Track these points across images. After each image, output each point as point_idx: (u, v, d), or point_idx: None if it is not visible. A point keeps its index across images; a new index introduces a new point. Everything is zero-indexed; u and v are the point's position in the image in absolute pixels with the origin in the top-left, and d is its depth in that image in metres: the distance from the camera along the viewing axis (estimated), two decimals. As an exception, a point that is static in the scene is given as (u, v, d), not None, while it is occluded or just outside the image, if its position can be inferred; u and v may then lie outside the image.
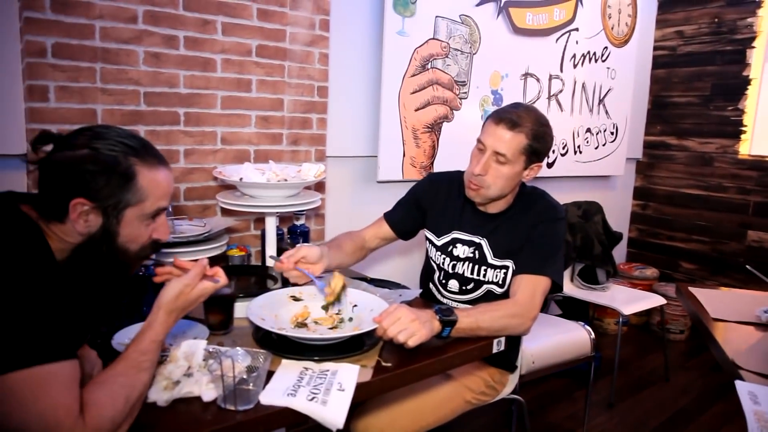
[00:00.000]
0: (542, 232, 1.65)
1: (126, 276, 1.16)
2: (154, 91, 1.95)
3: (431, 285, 1.86)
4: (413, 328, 1.28)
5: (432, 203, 1.83)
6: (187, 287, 1.10)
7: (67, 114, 1.78)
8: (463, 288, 1.77)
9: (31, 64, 1.73)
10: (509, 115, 1.58)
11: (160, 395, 1.07)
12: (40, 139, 1.05)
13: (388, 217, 1.88)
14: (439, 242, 1.80)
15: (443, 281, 1.81)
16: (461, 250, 1.76)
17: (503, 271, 1.71)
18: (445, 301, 1.82)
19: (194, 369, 1.15)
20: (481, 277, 1.73)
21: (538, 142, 1.59)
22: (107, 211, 1.03)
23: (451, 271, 1.78)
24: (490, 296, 1.73)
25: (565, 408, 2.80)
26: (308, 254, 1.49)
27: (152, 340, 1.04)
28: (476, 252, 1.73)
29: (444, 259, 1.79)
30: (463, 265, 1.76)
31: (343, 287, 1.48)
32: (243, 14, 2.09)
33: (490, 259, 1.72)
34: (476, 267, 1.74)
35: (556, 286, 1.64)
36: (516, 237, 1.68)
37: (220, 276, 1.17)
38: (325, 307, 1.47)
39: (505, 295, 1.67)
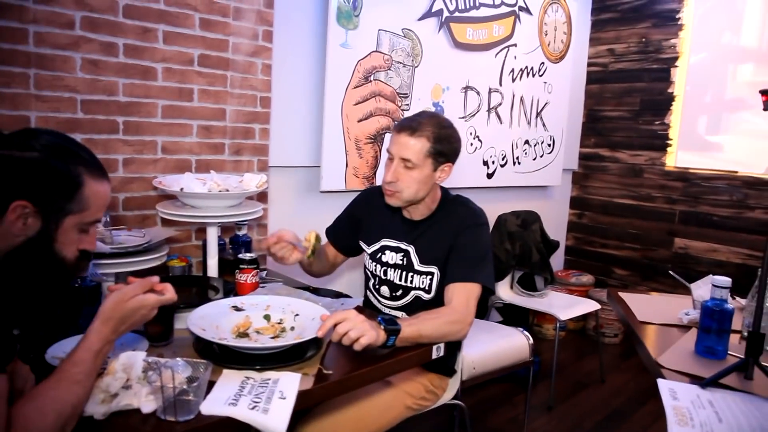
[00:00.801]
0: (467, 240, 1.72)
1: (61, 286, 1.14)
2: (92, 99, 1.91)
3: (368, 292, 1.93)
4: (363, 328, 1.31)
5: (365, 214, 1.91)
6: (125, 295, 1.09)
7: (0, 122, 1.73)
8: (394, 294, 1.84)
9: (-41, 69, 1.67)
10: (410, 123, 1.68)
11: (96, 408, 1.04)
12: None
13: (328, 232, 1.98)
14: (370, 250, 1.88)
15: (377, 287, 1.88)
16: (390, 257, 1.82)
17: (429, 277, 1.77)
18: (379, 307, 1.87)
19: (133, 381, 1.13)
20: (409, 284, 1.80)
21: (441, 144, 1.67)
22: (48, 217, 1.01)
23: (383, 276, 1.84)
24: (418, 302, 1.79)
25: (506, 412, 2.87)
26: (286, 234, 1.65)
27: (86, 349, 1.01)
28: (404, 259, 1.80)
29: (375, 266, 1.86)
30: (392, 271, 1.82)
31: (317, 239, 1.65)
32: (185, 23, 2.07)
33: (417, 266, 1.78)
34: (404, 273, 1.80)
35: (488, 290, 1.71)
36: (440, 243, 1.75)
37: (168, 291, 1.16)
38: (267, 317, 1.48)
39: (434, 301, 1.75)
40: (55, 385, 0.95)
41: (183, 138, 2.13)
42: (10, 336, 1.06)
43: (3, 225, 0.98)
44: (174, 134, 2.10)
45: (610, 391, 3.20)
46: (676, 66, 3.88)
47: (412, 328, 1.44)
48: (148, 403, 1.07)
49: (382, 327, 1.38)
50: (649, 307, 2.05)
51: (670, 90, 3.92)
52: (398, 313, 1.80)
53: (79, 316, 1.42)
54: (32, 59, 1.78)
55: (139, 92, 2.00)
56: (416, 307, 1.77)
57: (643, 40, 4.03)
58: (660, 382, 1.40)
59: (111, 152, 1.96)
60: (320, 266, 1.96)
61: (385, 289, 1.85)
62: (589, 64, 4.35)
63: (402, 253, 1.80)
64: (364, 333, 1.31)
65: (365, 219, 1.91)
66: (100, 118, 1.94)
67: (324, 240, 1.90)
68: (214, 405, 1.09)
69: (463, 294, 1.63)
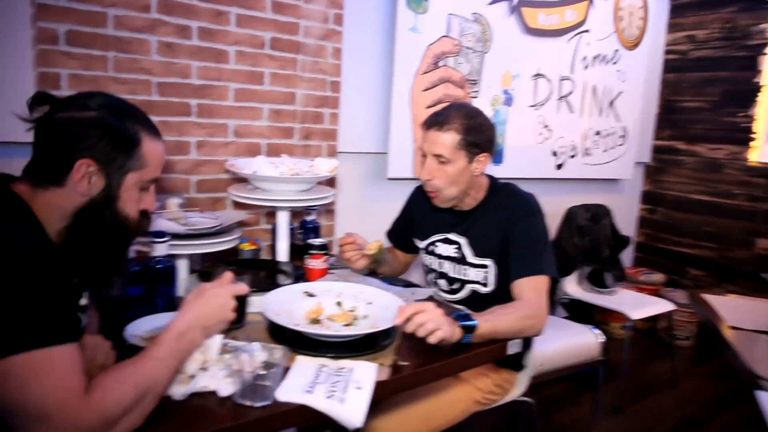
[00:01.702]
0: (524, 231, 1.65)
1: (126, 245, 1.15)
2: (166, 82, 1.93)
3: (429, 283, 1.91)
4: (440, 321, 1.27)
5: (417, 211, 1.91)
6: (203, 286, 1.13)
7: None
8: (451, 288, 1.81)
9: (44, 51, 1.71)
10: (437, 118, 1.64)
11: (175, 389, 1.04)
12: (37, 100, 1.03)
13: (388, 234, 2.02)
14: (423, 244, 1.87)
15: (435, 281, 1.86)
16: (443, 249, 1.80)
17: (484, 270, 1.73)
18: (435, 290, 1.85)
19: (210, 363, 1.12)
20: (464, 277, 1.76)
21: (472, 135, 1.62)
22: (111, 174, 1.04)
23: (439, 269, 1.83)
24: (475, 296, 1.75)
25: (572, 412, 2.77)
26: (359, 238, 1.75)
27: (167, 330, 1.03)
28: (458, 251, 1.77)
29: (431, 259, 1.85)
30: (448, 264, 1.80)
31: (380, 250, 1.71)
32: (257, 6, 2.06)
33: (470, 258, 1.74)
34: (458, 267, 1.78)
35: (554, 279, 1.65)
36: (493, 235, 1.70)
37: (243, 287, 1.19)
38: (339, 304, 1.45)
39: (493, 296, 1.71)
40: (135, 360, 0.96)
41: (254, 121, 2.13)
42: (77, 306, 1.09)
43: (69, 185, 1.01)
44: (245, 117, 2.10)
45: (682, 396, 3.04)
46: (765, 53, 3.62)
47: (488, 324, 1.39)
48: (225, 386, 1.07)
49: (458, 324, 1.33)
50: (738, 311, 1.91)
51: (756, 80, 3.67)
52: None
53: (155, 296, 1.43)
54: (111, 42, 1.81)
55: (212, 75, 2.01)
56: (474, 301, 1.73)
57: (728, 25, 3.78)
58: (761, 394, 1.28)
59: (184, 134, 1.98)
60: (390, 269, 1.97)
61: (443, 282, 1.83)
62: (667, 52, 4.12)
63: (455, 245, 1.77)
64: (441, 326, 1.26)
65: (417, 215, 1.90)
66: (174, 101, 1.95)
67: (388, 246, 1.94)
68: (290, 392, 1.07)
69: (533, 288, 1.57)
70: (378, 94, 2.63)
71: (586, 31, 3.38)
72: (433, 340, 1.26)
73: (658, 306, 3.03)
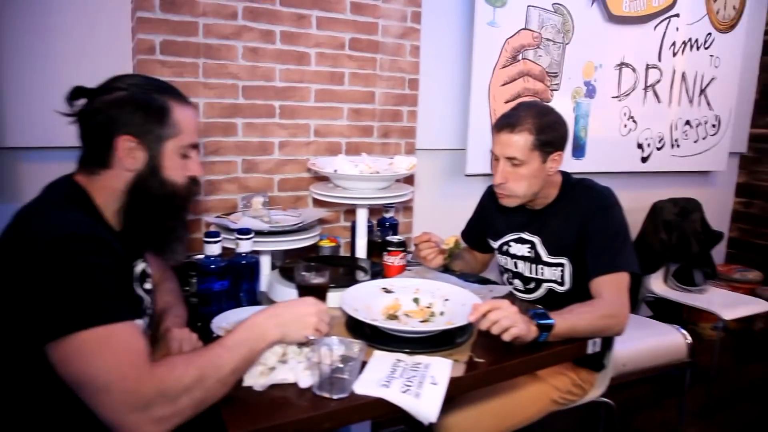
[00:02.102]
0: (600, 226, 1.61)
1: (180, 211, 1.21)
2: (251, 85, 2.02)
3: (506, 282, 1.90)
4: (515, 318, 1.27)
5: (489, 211, 1.89)
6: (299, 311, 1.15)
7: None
8: (527, 287, 1.80)
9: (142, 61, 1.84)
10: (508, 120, 1.61)
11: (256, 380, 1.10)
12: (74, 94, 1.11)
13: (463, 234, 2.01)
14: (496, 244, 1.86)
15: (510, 281, 1.85)
16: (517, 249, 1.79)
17: (560, 269, 1.70)
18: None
19: (289, 356, 1.18)
20: (540, 276, 1.74)
21: (545, 134, 1.59)
22: (150, 145, 1.10)
23: (514, 269, 1.82)
24: (552, 295, 1.73)
25: (656, 415, 2.67)
26: (434, 236, 1.77)
27: (244, 321, 1.08)
28: (532, 250, 1.75)
29: (505, 259, 1.84)
30: (522, 263, 1.78)
31: (457, 244, 1.73)
32: (337, 8, 2.12)
33: (545, 257, 1.72)
34: (533, 266, 1.75)
35: (635, 275, 1.59)
36: (567, 232, 1.66)
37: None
38: (416, 301, 1.48)
39: (570, 294, 1.67)
40: (208, 346, 1.02)
41: (334, 121, 2.19)
42: (140, 287, 1.18)
43: (117, 165, 1.10)
44: (326, 117, 2.17)
45: (779, 402, 2.86)
46: None
47: (566, 323, 1.37)
48: (305, 378, 1.12)
49: (534, 322, 1.32)
50: None
51: None
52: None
53: (239, 290, 1.52)
54: (201, 49, 1.92)
55: (294, 77, 2.09)
56: (551, 300, 1.70)
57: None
58: None
59: (268, 135, 2.07)
60: (469, 268, 1.98)
61: (518, 283, 1.82)
62: (767, 32, 3.83)
63: (528, 245, 1.75)
64: (516, 324, 1.26)
65: (490, 215, 1.89)
66: (259, 103, 2.04)
67: (464, 245, 1.95)
68: (367, 385, 1.11)
69: (613, 286, 1.53)
70: (456, 91, 2.63)
71: (676, 15, 3.22)
72: (507, 337, 1.26)
73: (754, 306, 2.84)
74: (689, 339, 2.37)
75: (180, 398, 0.92)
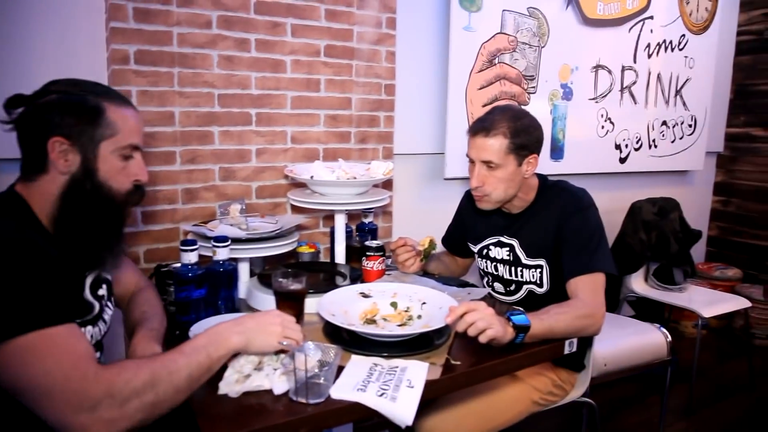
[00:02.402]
0: (575, 227, 1.63)
1: (116, 218, 1.17)
2: (227, 93, 2.02)
3: (485, 285, 1.91)
4: (491, 320, 1.28)
5: (468, 215, 1.92)
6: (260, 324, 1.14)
7: (147, 116, 1.87)
8: (507, 289, 1.82)
9: (116, 71, 1.83)
10: (482, 123, 1.62)
11: (231, 387, 1.10)
12: (11, 102, 1.10)
13: (443, 240, 2.04)
14: (476, 248, 1.88)
15: (491, 284, 1.86)
16: (496, 252, 1.81)
17: (538, 270, 1.72)
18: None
19: (264, 363, 1.18)
20: (520, 278, 1.76)
21: (520, 137, 1.60)
22: (84, 147, 1.08)
23: (494, 273, 1.83)
24: (532, 297, 1.75)
25: (638, 414, 2.69)
26: (410, 240, 1.78)
27: (201, 333, 1.08)
28: (510, 253, 1.76)
29: (485, 263, 1.85)
30: (502, 267, 1.80)
31: (431, 244, 1.75)
32: (312, 15, 2.12)
33: (524, 259, 1.73)
34: (513, 268, 1.77)
35: (611, 276, 1.61)
36: (544, 234, 1.68)
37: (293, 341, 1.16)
38: (394, 305, 1.48)
39: (548, 295, 1.69)
40: (165, 352, 1.02)
41: (311, 127, 2.19)
42: (74, 286, 1.14)
43: (51, 169, 1.08)
44: (302, 124, 2.17)
45: (761, 400, 2.89)
46: None
47: (543, 324, 1.38)
48: (280, 384, 1.11)
49: (510, 324, 1.32)
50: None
51: (840, 59, 3.43)
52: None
53: (218, 298, 1.51)
54: (176, 59, 1.92)
55: (270, 85, 2.09)
56: (531, 301, 1.72)
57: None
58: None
59: (245, 143, 2.07)
60: (448, 272, 2.00)
61: (498, 286, 1.84)
62: (739, 33, 3.90)
63: (507, 248, 1.77)
64: (492, 325, 1.27)
65: (469, 220, 1.91)
66: (235, 111, 2.04)
67: (440, 247, 1.96)
68: (343, 390, 1.11)
69: (588, 286, 1.55)
70: (433, 95, 2.64)
71: (650, 17, 3.27)
72: (483, 339, 1.27)
73: (733, 303, 2.89)
74: (669, 337, 2.39)
75: (130, 401, 0.91)
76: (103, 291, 1.23)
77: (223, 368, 1.16)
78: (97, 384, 0.89)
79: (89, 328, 1.16)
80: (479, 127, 1.63)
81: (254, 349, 1.12)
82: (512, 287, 1.79)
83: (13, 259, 0.92)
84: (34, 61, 1.83)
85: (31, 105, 1.09)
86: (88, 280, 1.19)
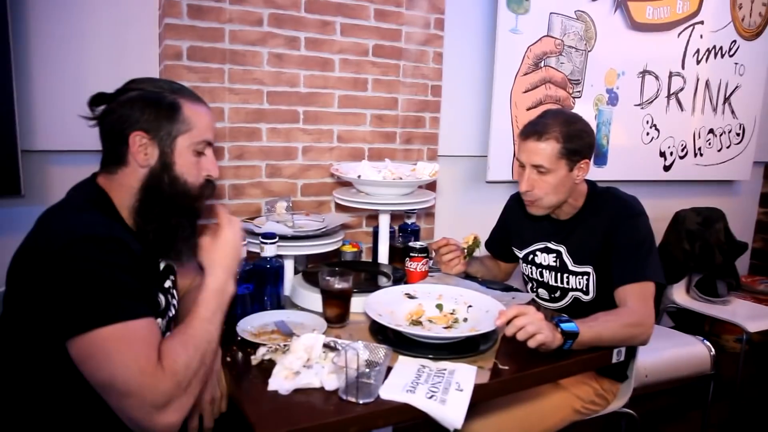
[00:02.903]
0: (625, 235, 1.60)
1: (192, 210, 1.21)
2: (276, 91, 2.04)
3: (529, 291, 1.89)
4: (540, 325, 1.26)
5: (514, 219, 1.89)
6: (216, 240, 1.18)
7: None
8: (552, 296, 1.79)
9: (169, 66, 1.87)
10: (535, 127, 1.60)
11: (281, 384, 1.11)
12: (95, 100, 1.16)
13: (486, 244, 2.01)
14: (521, 254, 1.86)
15: (535, 290, 1.84)
16: (542, 258, 1.78)
17: (585, 277, 1.69)
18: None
19: (313, 361, 1.18)
20: (565, 285, 1.74)
21: (572, 142, 1.57)
22: (162, 142, 1.13)
23: (539, 279, 1.81)
24: (577, 304, 1.72)
25: (678, 428, 2.63)
26: (453, 239, 1.80)
27: (205, 290, 1.11)
28: (557, 260, 1.74)
29: (530, 268, 1.83)
30: (547, 273, 1.78)
31: (476, 241, 1.75)
32: (361, 15, 2.13)
33: (571, 266, 1.71)
34: (559, 275, 1.75)
35: (660, 285, 1.58)
36: (593, 241, 1.65)
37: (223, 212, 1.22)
38: (439, 306, 1.48)
39: (595, 303, 1.67)
40: (190, 324, 1.05)
41: (357, 127, 2.20)
42: (156, 286, 1.20)
43: (131, 162, 1.13)
44: (349, 123, 2.18)
45: (806, 417, 2.79)
46: None
47: (591, 331, 1.35)
48: (331, 381, 1.12)
49: (559, 330, 1.31)
50: None
51: None
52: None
53: (264, 295, 1.52)
54: (227, 55, 1.94)
55: (318, 83, 2.10)
56: (576, 309, 1.69)
57: None
58: None
59: (292, 140, 2.09)
60: (490, 276, 1.97)
61: (543, 292, 1.82)
62: (793, 41, 3.77)
63: (554, 254, 1.75)
64: (541, 330, 1.26)
65: (515, 224, 1.88)
66: (283, 109, 2.06)
67: (483, 250, 1.93)
68: (392, 390, 1.11)
69: (638, 295, 1.52)
70: (478, 97, 2.63)
71: (700, 22, 3.19)
72: (532, 343, 1.26)
73: (780, 318, 2.80)
74: (713, 351, 2.33)
75: (191, 384, 0.97)
76: (169, 283, 1.27)
77: (272, 365, 1.17)
78: (166, 379, 0.93)
79: (159, 320, 1.18)
80: (531, 131, 1.61)
81: (237, 265, 1.19)
82: (557, 294, 1.77)
83: (102, 252, 0.97)
84: (90, 57, 1.89)
85: (114, 102, 1.14)
86: (160, 271, 1.24)
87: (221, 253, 1.16)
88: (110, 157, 1.15)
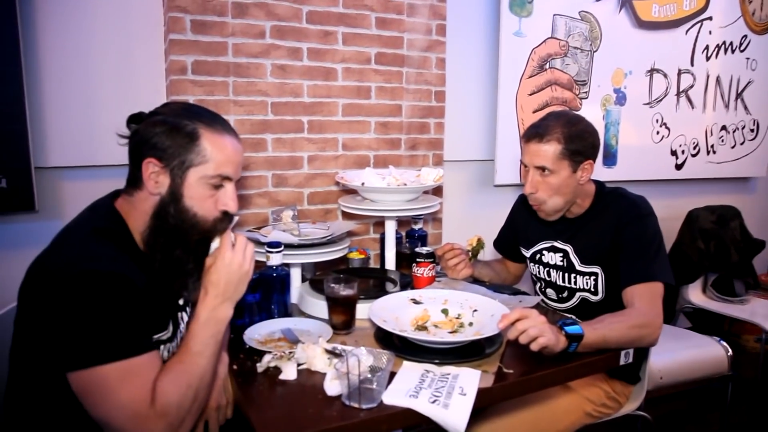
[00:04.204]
0: (633, 235, 1.59)
1: (199, 243, 1.13)
2: (280, 101, 2.06)
3: (538, 292, 1.89)
4: (543, 328, 1.26)
5: (522, 219, 1.89)
6: (219, 262, 1.10)
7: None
8: (560, 296, 1.78)
9: (174, 81, 1.90)
10: (536, 129, 1.61)
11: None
12: (132, 119, 1.12)
13: (494, 244, 2.04)
14: (528, 253, 1.85)
15: (543, 290, 1.83)
16: (549, 257, 1.78)
17: (593, 278, 1.68)
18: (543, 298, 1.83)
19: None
20: (573, 285, 1.73)
21: (574, 143, 1.57)
22: (173, 172, 1.07)
23: (546, 278, 1.80)
24: (586, 305, 1.71)
25: (696, 430, 2.58)
26: (458, 244, 1.80)
27: (195, 321, 1.06)
28: (564, 259, 1.73)
29: (538, 268, 1.83)
30: (555, 272, 1.77)
31: (479, 242, 1.73)
32: (362, 24, 2.15)
33: (578, 266, 1.70)
34: (566, 275, 1.74)
35: (670, 286, 1.56)
36: (600, 241, 1.64)
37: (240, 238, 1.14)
38: (445, 312, 1.48)
39: (603, 304, 1.66)
40: (180, 359, 1.03)
41: (362, 134, 2.22)
42: (164, 310, 1.16)
43: (143, 188, 1.09)
44: (353, 131, 2.20)
45: (830, 417, 2.73)
46: None
47: (597, 333, 1.34)
48: (333, 386, 1.13)
49: (563, 333, 1.30)
50: None
51: None
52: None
53: (271, 303, 1.54)
54: (231, 68, 1.97)
55: (322, 93, 2.12)
56: (584, 310, 1.68)
57: None
58: None
59: (297, 150, 2.11)
60: (500, 279, 1.96)
61: (551, 292, 1.81)
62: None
63: (561, 254, 1.74)
64: (544, 333, 1.25)
65: (522, 223, 1.88)
66: (288, 119, 2.08)
67: (490, 252, 1.94)
68: (395, 396, 1.11)
69: (646, 295, 1.50)
70: (483, 101, 2.63)
71: (708, 18, 3.17)
72: (535, 347, 1.25)
73: (799, 317, 2.74)
74: (730, 351, 2.29)
75: (185, 421, 0.98)
76: (181, 301, 1.24)
77: (278, 371, 1.19)
78: (157, 419, 0.94)
79: (168, 345, 1.18)
80: (533, 133, 1.61)
81: (239, 296, 1.11)
82: (565, 294, 1.76)
83: (103, 289, 0.95)
84: (99, 74, 1.92)
85: (142, 122, 1.10)
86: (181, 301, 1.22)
87: (216, 276, 1.07)
88: (131, 178, 1.12)
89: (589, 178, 1.65)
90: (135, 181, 1.11)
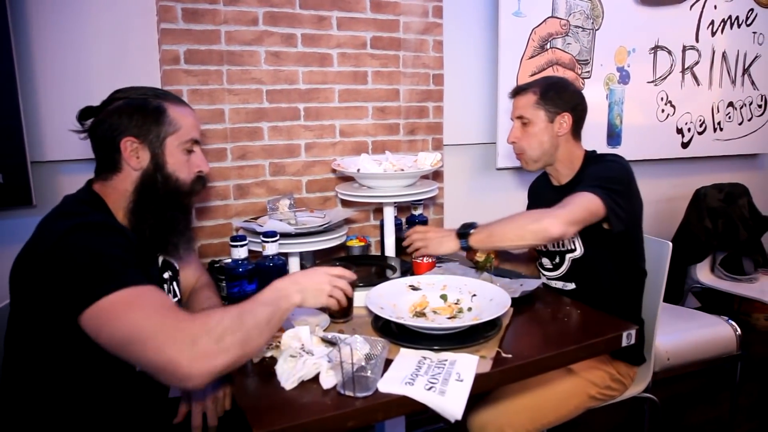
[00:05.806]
0: (590, 171, 1.67)
1: (184, 210, 1.29)
2: (275, 89, 2.03)
3: (538, 267, 1.90)
4: (428, 239, 1.61)
5: (536, 197, 1.95)
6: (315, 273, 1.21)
7: (198, 114, 1.90)
8: (553, 263, 1.80)
9: (168, 71, 1.88)
10: (519, 87, 1.77)
11: (287, 375, 1.12)
12: (83, 114, 1.23)
13: None
14: None
15: (541, 262, 1.85)
16: None
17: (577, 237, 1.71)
18: (546, 282, 1.83)
19: (309, 347, 1.20)
20: (560, 248, 1.76)
21: (549, 94, 1.68)
22: (152, 144, 1.20)
23: (542, 248, 1.83)
24: (575, 266, 1.73)
25: (706, 411, 2.56)
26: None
27: (268, 287, 1.11)
28: None
29: None
30: None
31: (487, 257, 1.66)
32: (356, 8, 2.11)
33: None
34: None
35: (643, 271, 1.71)
36: None
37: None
38: (444, 297, 1.46)
39: (585, 259, 1.72)
40: (243, 304, 1.06)
41: (359, 120, 2.19)
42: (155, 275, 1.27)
43: (125, 167, 1.20)
44: (350, 117, 2.17)
45: (842, 395, 2.70)
46: None
47: (486, 228, 1.54)
48: (328, 379, 1.11)
49: (455, 231, 1.56)
50: None
51: None
52: (560, 284, 1.79)
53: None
54: (224, 57, 1.94)
55: (317, 79, 2.09)
56: (576, 272, 1.73)
57: None
58: None
59: (294, 138, 2.08)
60: (515, 262, 1.99)
61: (546, 261, 1.82)
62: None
63: None
64: (427, 245, 1.60)
65: (535, 201, 1.92)
66: (284, 106, 2.06)
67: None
68: (391, 383, 1.10)
69: (570, 199, 1.53)
70: (483, 83, 2.59)
71: (713, -8, 3.10)
72: (417, 254, 1.63)
73: (810, 294, 2.70)
74: (738, 330, 2.26)
75: (224, 337, 0.96)
76: (168, 274, 1.33)
77: (274, 361, 1.18)
78: (192, 322, 0.97)
79: None
80: (515, 90, 1.77)
81: (308, 305, 1.16)
82: (557, 260, 1.78)
83: (99, 234, 1.05)
84: (92, 66, 1.91)
85: (102, 113, 1.20)
86: (159, 262, 1.30)
87: (304, 273, 1.20)
88: (104, 165, 1.22)
89: (567, 132, 1.70)
90: (110, 165, 1.20)
